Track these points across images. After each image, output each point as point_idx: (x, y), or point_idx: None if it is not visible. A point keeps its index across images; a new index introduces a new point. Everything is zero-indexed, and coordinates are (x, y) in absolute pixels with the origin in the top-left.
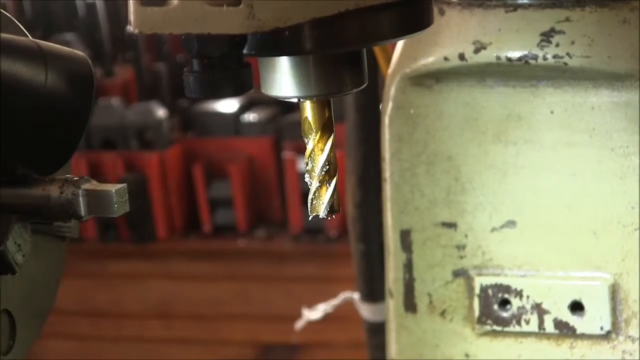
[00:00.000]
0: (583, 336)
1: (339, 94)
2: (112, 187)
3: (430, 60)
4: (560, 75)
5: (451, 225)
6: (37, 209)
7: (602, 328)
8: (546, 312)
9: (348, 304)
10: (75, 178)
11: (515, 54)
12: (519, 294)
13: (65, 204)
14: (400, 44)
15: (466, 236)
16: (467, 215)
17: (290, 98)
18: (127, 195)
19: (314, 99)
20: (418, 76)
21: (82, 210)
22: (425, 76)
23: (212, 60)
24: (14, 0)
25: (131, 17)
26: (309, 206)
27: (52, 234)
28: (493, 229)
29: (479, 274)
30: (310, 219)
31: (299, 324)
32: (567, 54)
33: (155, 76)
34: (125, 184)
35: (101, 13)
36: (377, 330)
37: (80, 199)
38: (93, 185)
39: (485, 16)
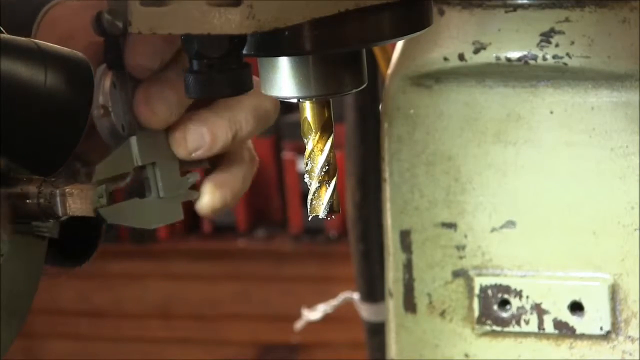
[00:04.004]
0: (583, 336)
1: (338, 95)
2: (91, 187)
3: (430, 60)
4: (560, 75)
5: (451, 226)
6: (14, 208)
7: (601, 328)
8: (546, 312)
9: (348, 304)
10: (53, 178)
11: (514, 54)
12: (518, 294)
13: (43, 204)
14: (400, 44)
15: (466, 236)
16: (466, 215)
17: (289, 98)
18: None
19: (314, 100)
20: (418, 76)
21: (60, 210)
22: (425, 76)
23: (212, 60)
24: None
25: (130, 17)
26: (308, 207)
27: (31, 233)
28: (493, 229)
29: (479, 274)
30: (309, 219)
31: (299, 324)
32: (567, 54)
33: None
34: (104, 185)
35: None
36: (377, 331)
37: (58, 198)
38: (71, 185)
39: (484, 16)
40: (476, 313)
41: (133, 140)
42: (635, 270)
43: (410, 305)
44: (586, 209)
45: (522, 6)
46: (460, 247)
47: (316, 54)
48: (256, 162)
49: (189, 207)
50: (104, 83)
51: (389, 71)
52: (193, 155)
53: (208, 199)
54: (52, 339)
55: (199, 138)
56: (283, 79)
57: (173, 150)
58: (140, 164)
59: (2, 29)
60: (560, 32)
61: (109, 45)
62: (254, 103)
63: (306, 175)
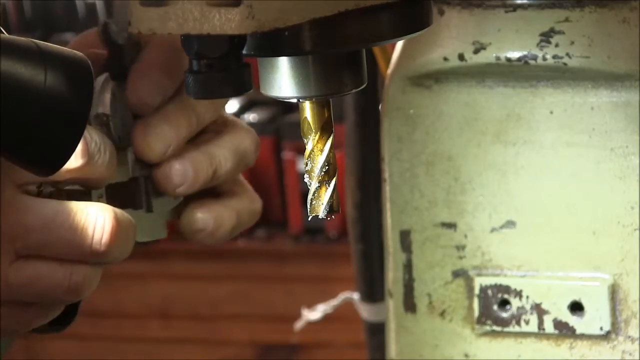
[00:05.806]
0: (583, 336)
1: (338, 95)
2: None
3: (429, 60)
4: (559, 75)
5: (451, 226)
6: None
7: (601, 328)
8: (546, 312)
9: (348, 304)
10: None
11: (514, 54)
12: (518, 294)
13: None
14: (399, 44)
15: (466, 236)
16: (466, 215)
17: (289, 98)
18: (105, 194)
19: (314, 100)
20: (417, 76)
21: None
22: (425, 76)
23: (212, 60)
24: (14, 0)
25: (130, 17)
26: (308, 207)
27: None
28: (493, 229)
29: (479, 274)
30: (309, 219)
31: (299, 324)
32: (567, 54)
33: None
34: (103, 186)
35: (101, 13)
36: (377, 331)
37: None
38: (71, 184)
39: (484, 16)
40: (476, 313)
41: (130, 151)
42: (635, 270)
43: (410, 305)
44: (586, 209)
45: (522, 6)
46: (460, 247)
47: (316, 54)
48: (257, 202)
49: None
50: (105, 93)
51: (389, 71)
52: (177, 190)
53: (185, 219)
54: (52, 339)
55: (183, 174)
56: (283, 79)
57: (158, 185)
58: (134, 175)
59: (2, 29)
60: (560, 32)
61: (114, 55)
62: (234, 142)
63: (306, 175)
